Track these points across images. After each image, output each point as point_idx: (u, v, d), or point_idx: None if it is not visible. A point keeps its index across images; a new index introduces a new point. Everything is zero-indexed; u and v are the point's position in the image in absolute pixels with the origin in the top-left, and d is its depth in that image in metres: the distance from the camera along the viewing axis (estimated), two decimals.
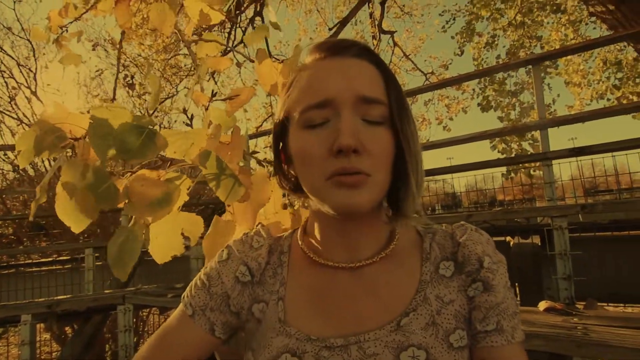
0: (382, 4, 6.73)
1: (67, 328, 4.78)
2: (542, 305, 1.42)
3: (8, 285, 4.21)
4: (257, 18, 5.94)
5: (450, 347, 0.48)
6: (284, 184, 0.60)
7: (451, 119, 8.33)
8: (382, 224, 0.56)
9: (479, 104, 6.80)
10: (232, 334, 0.60)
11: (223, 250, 0.61)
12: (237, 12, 5.44)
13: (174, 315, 0.59)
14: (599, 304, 1.42)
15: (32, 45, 8.10)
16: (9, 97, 7.66)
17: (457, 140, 2.87)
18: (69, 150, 0.78)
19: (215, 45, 1.22)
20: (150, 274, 3.95)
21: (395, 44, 7.56)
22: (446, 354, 0.47)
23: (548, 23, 7.07)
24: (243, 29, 6.13)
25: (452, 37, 7.37)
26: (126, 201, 0.65)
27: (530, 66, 2.70)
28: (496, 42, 7.13)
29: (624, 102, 6.25)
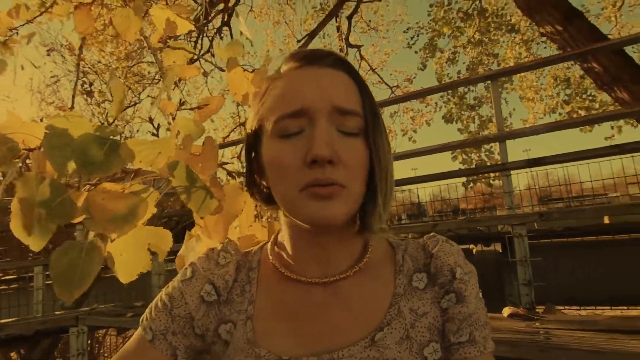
0: (349, 18, 6.90)
1: (12, 354, 4.40)
2: (506, 311, 1.47)
3: None
4: (225, 28, 5.89)
5: None
6: (256, 195, 0.58)
7: (415, 131, 8.60)
8: (355, 237, 0.54)
9: (443, 117, 7.07)
10: (195, 359, 0.57)
11: (187, 268, 0.57)
12: (205, 21, 5.37)
13: (131, 340, 0.55)
14: (556, 307, 1.49)
15: None
16: None
17: (422, 151, 2.95)
18: (21, 162, 0.72)
19: (183, 53, 1.19)
20: (107, 292, 3.73)
21: (362, 58, 7.74)
22: None
23: (504, 42, 7.52)
24: (210, 38, 6.06)
25: (416, 52, 7.66)
26: (84, 216, 0.61)
27: (489, 81, 2.84)
28: (457, 58, 7.49)
29: (574, 116, 6.71)
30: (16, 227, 0.62)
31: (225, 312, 0.54)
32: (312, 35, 6.70)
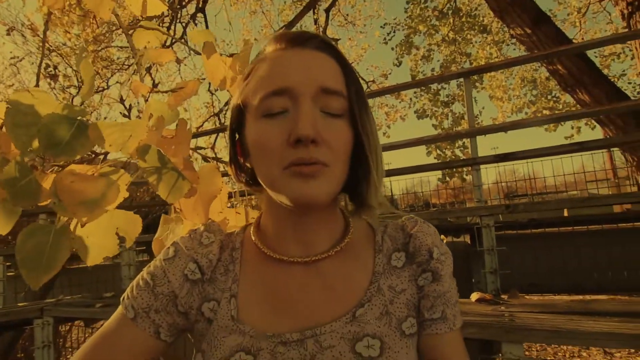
0: (327, 11, 6.88)
1: None
2: (474, 296, 1.55)
3: None
4: (200, 15, 5.74)
5: (402, 334, 0.49)
6: (239, 177, 0.57)
7: (389, 126, 8.74)
8: (336, 218, 0.56)
9: (415, 112, 7.22)
10: (178, 337, 0.57)
11: (169, 248, 0.57)
12: (179, 5, 5.21)
13: (112, 320, 0.54)
14: (520, 294, 1.57)
15: None
16: None
17: (396, 145, 3.00)
18: None
19: (156, 34, 1.15)
20: (73, 285, 3.59)
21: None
22: (399, 341, 0.49)
23: (476, 42, 7.74)
24: (184, 24, 5.88)
25: (392, 49, 7.76)
26: (50, 200, 0.59)
27: (461, 79, 2.91)
28: (431, 56, 7.65)
29: (539, 115, 7.02)
30: None
31: (208, 291, 0.54)
32: (289, 26, 6.63)
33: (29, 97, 0.58)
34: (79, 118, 0.62)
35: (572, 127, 7.00)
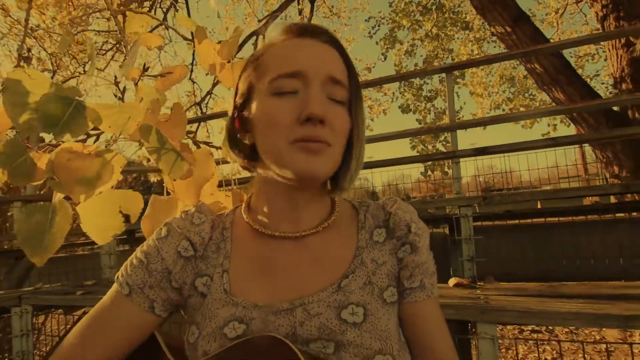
0: (312, 2, 6.83)
1: None
2: (452, 281, 1.63)
3: None
4: (181, 0, 5.61)
5: (384, 302, 0.53)
6: (237, 150, 0.60)
7: (372, 119, 8.81)
8: (324, 197, 0.60)
9: (399, 106, 7.31)
10: (172, 312, 0.59)
11: (161, 228, 0.59)
12: None
13: (106, 297, 0.56)
14: (495, 280, 1.66)
15: None
16: None
17: (379, 137, 3.04)
18: None
19: (146, 19, 1.15)
20: (52, 273, 3.51)
21: None
22: (381, 308, 0.52)
23: (458, 38, 7.87)
24: (164, 10, 5.74)
25: (377, 43, 7.79)
26: (46, 178, 0.59)
27: (444, 74, 2.98)
28: (415, 51, 7.73)
29: (516, 112, 7.23)
30: None
31: (201, 267, 0.56)
32: (273, 16, 6.57)
33: (25, 77, 0.59)
34: (75, 98, 0.62)
35: (549, 125, 7.27)
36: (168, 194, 0.74)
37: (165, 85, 1.03)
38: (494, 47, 7.65)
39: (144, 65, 0.98)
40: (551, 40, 5.14)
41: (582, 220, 2.18)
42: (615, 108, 3.72)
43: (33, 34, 6.94)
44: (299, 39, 0.55)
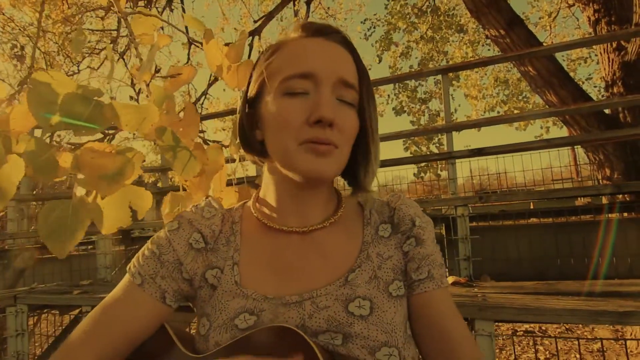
0: (308, 3, 6.85)
1: None
2: (450, 279, 1.67)
3: None
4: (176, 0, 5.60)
5: (389, 295, 0.55)
6: (247, 147, 0.61)
7: None
8: (331, 194, 0.61)
9: (393, 109, 7.36)
10: (181, 303, 0.60)
11: (172, 221, 0.60)
12: None
13: (118, 287, 0.57)
14: (491, 280, 1.70)
15: None
16: None
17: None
18: None
19: (153, 21, 1.17)
20: (46, 273, 3.49)
21: None
22: (387, 302, 0.54)
23: (453, 41, 7.95)
24: (160, 9, 5.73)
25: (372, 45, 7.84)
26: (69, 175, 0.61)
27: (439, 75, 3.02)
28: (410, 53, 7.79)
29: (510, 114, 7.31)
30: None
31: (212, 259, 0.58)
32: (269, 16, 6.57)
33: (47, 77, 0.61)
34: (95, 98, 0.64)
35: (542, 127, 7.37)
36: (184, 189, 0.76)
37: (175, 86, 1.05)
38: (488, 50, 7.75)
39: (155, 66, 1.00)
40: (544, 44, 5.22)
41: (575, 220, 2.23)
42: (606, 111, 3.79)
43: (26, 32, 6.88)
44: (311, 38, 0.56)
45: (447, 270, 2.06)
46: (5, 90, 0.75)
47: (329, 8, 8.43)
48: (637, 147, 3.36)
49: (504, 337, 3.69)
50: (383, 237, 0.59)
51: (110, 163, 0.60)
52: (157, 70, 0.98)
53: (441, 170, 5.31)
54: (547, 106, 4.29)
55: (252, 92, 0.59)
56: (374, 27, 7.95)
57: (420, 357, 0.58)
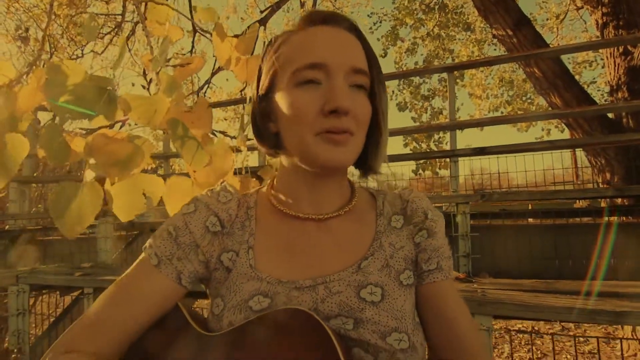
0: None
1: None
2: None
3: None
4: None
5: (400, 284, 0.56)
6: (262, 140, 0.61)
7: None
8: (345, 183, 0.62)
9: (397, 104, 7.34)
10: (196, 285, 0.61)
11: (189, 204, 0.60)
12: None
13: (134, 267, 0.58)
14: (489, 277, 1.72)
15: None
16: None
17: None
18: None
19: (166, 11, 1.17)
20: (47, 256, 3.52)
21: None
22: (397, 289, 0.55)
23: (459, 39, 7.90)
24: None
25: (378, 39, 7.79)
26: (82, 159, 0.63)
27: (445, 73, 3.02)
28: (416, 50, 7.75)
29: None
30: None
31: (227, 243, 0.59)
32: (275, 7, 6.53)
33: (62, 67, 0.62)
34: (108, 88, 0.65)
35: (543, 130, 7.36)
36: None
37: (184, 75, 1.06)
38: (494, 49, 7.70)
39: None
40: (550, 46, 5.20)
41: (575, 222, 2.24)
42: (610, 115, 3.79)
43: (31, 13, 6.82)
44: (319, 27, 0.56)
45: None
46: (13, 71, 0.76)
47: (335, 1, 8.37)
48: (639, 152, 3.37)
49: (497, 334, 3.73)
50: (395, 228, 0.61)
51: (122, 149, 0.62)
52: (167, 60, 0.99)
53: (439, 169, 5.32)
54: (550, 108, 4.29)
55: (263, 85, 0.59)
56: (380, 22, 7.90)
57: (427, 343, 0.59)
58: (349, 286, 0.54)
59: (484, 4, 4.28)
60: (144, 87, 0.84)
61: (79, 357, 0.51)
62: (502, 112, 7.74)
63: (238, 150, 0.97)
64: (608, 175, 3.79)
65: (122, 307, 0.55)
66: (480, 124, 2.67)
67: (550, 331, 3.77)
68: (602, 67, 6.43)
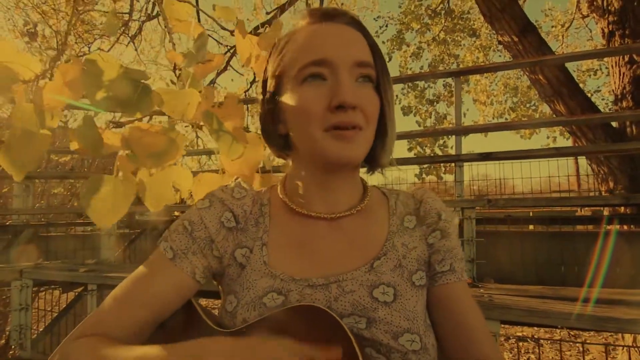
0: None
1: None
2: None
3: None
4: None
5: (412, 284, 0.56)
6: (271, 141, 0.62)
7: None
8: (357, 182, 0.62)
9: (402, 108, 7.37)
10: (209, 280, 0.61)
11: (204, 199, 0.61)
12: None
13: (149, 261, 0.58)
14: (494, 282, 1.73)
15: None
16: None
17: None
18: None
19: (187, 8, 1.19)
20: (50, 251, 3.52)
21: None
22: (410, 290, 0.55)
23: (465, 45, 7.93)
24: None
25: (384, 43, 7.83)
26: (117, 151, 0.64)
27: (450, 78, 3.04)
28: (421, 54, 7.78)
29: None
30: (6, 155, 0.64)
31: (241, 239, 0.59)
32: (282, 9, 6.56)
33: (99, 59, 0.63)
34: (142, 81, 0.67)
35: (548, 137, 7.39)
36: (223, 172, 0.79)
37: (204, 72, 1.08)
38: (500, 55, 7.74)
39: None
40: (555, 54, 5.22)
41: (582, 230, 2.25)
42: (613, 124, 3.81)
43: (38, 9, 6.84)
44: (321, 24, 0.56)
45: None
46: (39, 66, 0.78)
47: (342, 4, 8.41)
48: None
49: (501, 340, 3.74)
50: (408, 228, 0.61)
51: (157, 142, 0.63)
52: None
53: (444, 173, 5.34)
54: (554, 116, 4.30)
55: (270, 87, 0.60)
56: (386, 26, 7.94)
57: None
58: (362, 285, 0.54)
59: (490, 10, 4.31)
60: (172, 82, 0.85)
61: (88, 340, 0.50)
62: (506, 119, 7.77)
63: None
64: (611, 184, 3.80)
65: (136, 300, 0.54)
66: (486, 129, 2.69)
67: (550, 342, 3.77)
68: (607, 76, 6.46)
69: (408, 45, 7.75)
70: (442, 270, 0.59)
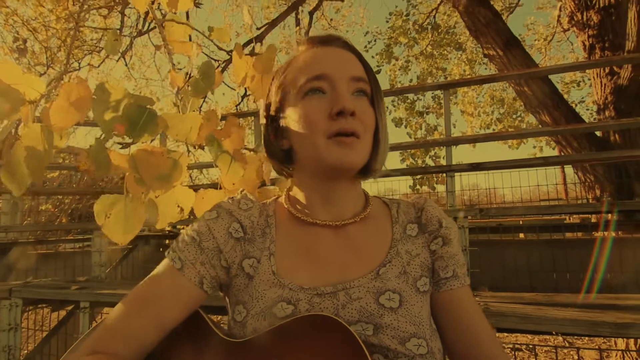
0: (311, 14, 6.97)
1: None
2: None
3: None
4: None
5: (417, 290, 0.58)
6: (273, 155, 0.65)
7: None
8: (359, 192, 0.65)
9: (392, 120, 7.48)
10: (216, 290, 0.62)
11: (211, 211, 0.62)
12: None
13: (156, 273, 0.59)
14: (488, 291, 1.76)
15: None
16: None
17: None
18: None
19: (184, 29, 1.22)
20: (40, 269, 3.46)
21: None
22: (415, 296, 0.57)
23: (451, 58, 8.13)
24: (163, 12, 5.75)
25: (373, 57, 7.97)
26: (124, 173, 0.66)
27: (439, 91, 3.11)
28: (409, 68, 7.94)
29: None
30: (8, 171, 0.66)
31: (249, 249, 0.60)
32: (272, 24, 6.66)
33: (108, 87, 0.66)
34: (148, 106, 0.70)
35: (534, 147, 7.54)
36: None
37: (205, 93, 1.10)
38: (485, 68, 7.94)
39: (189, 73, 1.05)
40: (539, 66, 5.37)
41: (572, 237, 2.30)
42: (597, 133, 3.92)
43: (28, 26, 6.83)
44: (319, 47, 0.62)
45: None
46: (44, 86, 0.79)
47: (331, 20, 8.57)
48: (627, 170, 3.48)
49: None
50: (411, 236, 0.63)
51: (162, 164, 0.65)
52: (190, 77, 1.03)
53: (437, 184, 5.41)
54: (540, 126, 4.41)
55: (274, 106, 0.64)
56: (375, 40, 8.11)
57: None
58: (368, 292, 0.56)
59: (475, 24, 4.44)
60: (174, 104, 0.88)
61: (101, 358, 0.51)
62: (493, 129, 7.93)
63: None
64: (598, 192, 3.90)
65: (144, 310, 0.55)
66: (475, 140, 2.76)
67: (545, 349, 3.79)
68: (590, 87, 6.66)
69: (397, 59, 7.91)
70: (445, 276, 0.61)
